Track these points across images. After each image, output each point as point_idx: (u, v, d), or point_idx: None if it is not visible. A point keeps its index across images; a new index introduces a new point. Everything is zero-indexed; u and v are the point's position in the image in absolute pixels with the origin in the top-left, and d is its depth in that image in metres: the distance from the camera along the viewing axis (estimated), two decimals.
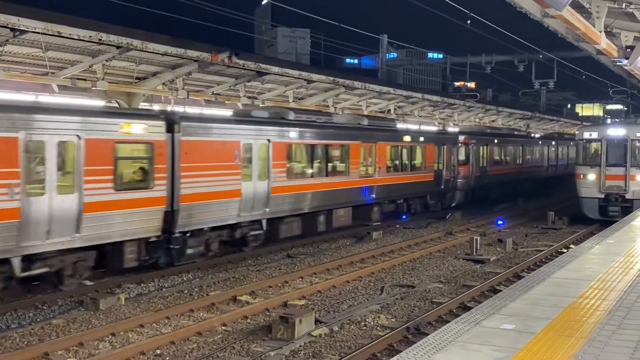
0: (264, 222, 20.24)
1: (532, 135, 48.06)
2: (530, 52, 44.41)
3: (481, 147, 36.29)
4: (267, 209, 20.10)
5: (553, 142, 49.81)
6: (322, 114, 25.43)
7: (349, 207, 24.40)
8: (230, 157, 18.66)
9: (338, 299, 15.23)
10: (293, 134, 21.68)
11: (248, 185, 19.26)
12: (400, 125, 29.33)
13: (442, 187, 31.57)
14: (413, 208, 29.82)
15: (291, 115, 22.24)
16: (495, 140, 38.73)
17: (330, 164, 23.65)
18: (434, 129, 35.33)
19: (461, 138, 34.31)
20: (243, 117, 20.52)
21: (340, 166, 24.03)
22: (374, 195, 25.77)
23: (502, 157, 39.91)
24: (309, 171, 22.61)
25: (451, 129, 37.35)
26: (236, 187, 18.82)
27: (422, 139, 29.78)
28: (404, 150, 28.51)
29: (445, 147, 31.71)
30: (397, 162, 27.96)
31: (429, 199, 31.04)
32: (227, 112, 22.51)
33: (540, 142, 47.22)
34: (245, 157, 19.29)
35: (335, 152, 24.03)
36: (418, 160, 29.65)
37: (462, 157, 34.21)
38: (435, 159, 30.86)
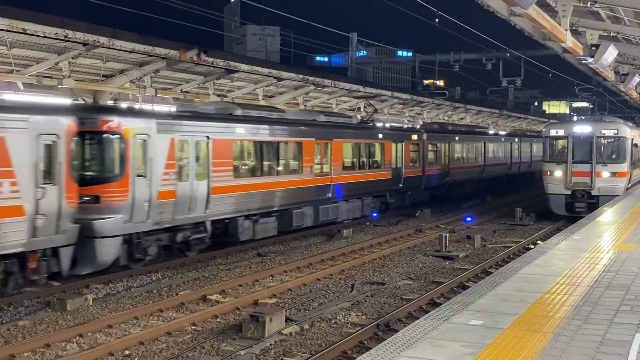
0: None
1: (367, 122, 30.08)
2: (497, 51, 44.87)
3: (197, 144, 18.46)
4: None
5: (415, 137, 32.06)
6: None
7: None
8: None
9: (309, 297, 15.24)
10: None
11: None
12: None
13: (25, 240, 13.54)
14: None
15: None
16: (240, 130, 20.11)
17: None
18: None
19: (115, 122, 16.35)
20: None
21: None
22: None
23: (261, 161, 21.27)
24: None
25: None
26: None
27: None
28: None
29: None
30: None
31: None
32: None
33: (381, 136, 28.82)
34: None
35: None
36: None
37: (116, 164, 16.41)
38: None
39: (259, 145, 21.21)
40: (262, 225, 21.15)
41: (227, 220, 19.83)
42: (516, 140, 47.99)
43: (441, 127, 37.78)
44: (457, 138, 36.93)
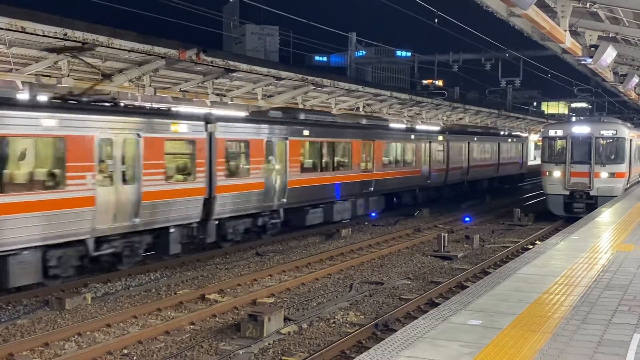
0: None
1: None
2: (496, 51, 44.89)
3: None
4: None
5: (120, 124, 15.97)
6: None
7: None
8: None
9: (307, 297, 15.24)
10: None
11: None
12: None
13: None
14: None
15: None
16: None
17: None
18: None
19: None
20: None
21: None
22: None
23: None
24: None
25: None
26: None
27: None
28: None
29: None
30: None
31: None
32: None
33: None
34: None
35: None
36: None
37: None
38: None
39: None
40: None
41: None
42: (440, 138, 34.94)
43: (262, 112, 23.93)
44: (277, 131, 21.67)
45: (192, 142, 18.35)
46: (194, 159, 18.39)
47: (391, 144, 29.69)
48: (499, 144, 43.66)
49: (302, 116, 23.79)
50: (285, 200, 22.15)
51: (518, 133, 54.23)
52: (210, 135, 18.89)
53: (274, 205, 21.74)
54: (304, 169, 23.19)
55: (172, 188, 17.68)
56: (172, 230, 17.75)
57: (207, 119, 18.98)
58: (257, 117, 22.07)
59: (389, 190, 29.63)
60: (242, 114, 23.47)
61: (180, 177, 18.27)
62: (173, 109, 19.02)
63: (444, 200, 35.52)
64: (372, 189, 27.74)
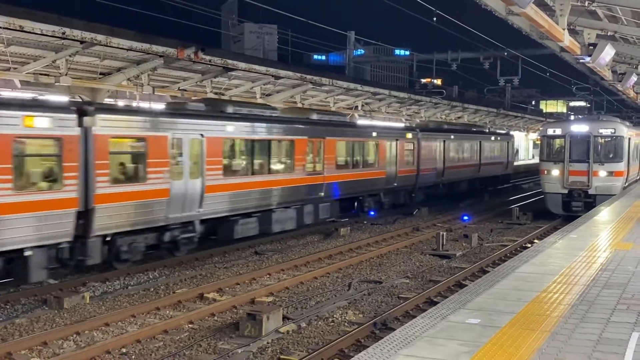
0: None
1: None
2: (495, 50, 44.96)
3: None
4: None
5: None
6: None
7: None
8: None
9: (306, 296, 15.24)
10: None
11: None
12: None
13: None
14: None
15: None
16: None
17: None
18: None
19: None
20: None
21: None
22: None
23: None
24: None
25: None
26: None
27: None
28: None
29: None
30: None
31: None
32: None
33: None
34: None
35: None
36: None
37: None
38: None
39: None
40: None
41: None
42: (409, 136, 31.03)
43: None
44: (189, 127, 18.19)
45: (57, 140, 14.40)
46: (61, 161, 14.51)
47: (347, 142, 25.83)
48: (480, 142, 40.04)
49: (229, 109, 20.13)
50: (201, 209, 18.41)
51: (502, 130, 51.37)
52: (86, 131, 15.14)
53: (185, 217, 17.94)
54: (228, 172, 19.55)
55: (24, 200, 13.70)
56: (29, 253, 13.88)
57: (82, 111, 15.12)
58: (170, 109, 18.56)
59: (346, 195, 25.91)
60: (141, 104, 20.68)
61: (43, 185, 14.44)
62: (39, 97, 15.00)
63: (415, 204, 32.02)
64: (323, 193, 24.19)
